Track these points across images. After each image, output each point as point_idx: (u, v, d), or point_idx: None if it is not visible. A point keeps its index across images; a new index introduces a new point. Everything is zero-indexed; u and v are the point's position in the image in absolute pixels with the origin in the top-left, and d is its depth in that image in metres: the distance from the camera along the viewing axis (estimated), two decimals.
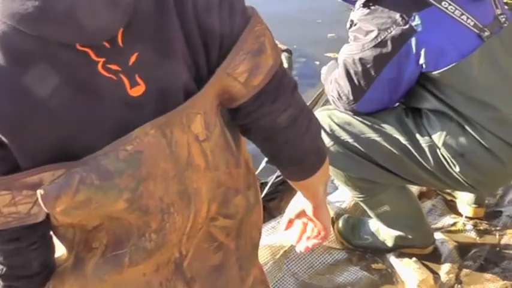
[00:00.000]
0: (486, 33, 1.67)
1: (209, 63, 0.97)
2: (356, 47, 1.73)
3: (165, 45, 0.92)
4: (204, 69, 0.97)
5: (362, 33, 1.71)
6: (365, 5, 1.71)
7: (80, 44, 0.85)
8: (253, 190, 1.20)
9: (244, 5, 1.01)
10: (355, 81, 1.76)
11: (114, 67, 0.87)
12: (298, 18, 4.49)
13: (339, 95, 1.82)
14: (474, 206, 2.34)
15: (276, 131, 1.08)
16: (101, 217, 0.99)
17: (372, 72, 1.72)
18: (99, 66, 0.86)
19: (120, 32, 0.87)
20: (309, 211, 1.35)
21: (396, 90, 1.77)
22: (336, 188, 2.45)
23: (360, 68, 1.73)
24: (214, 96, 1.00)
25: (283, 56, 4.10)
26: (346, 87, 1.79)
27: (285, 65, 4.00)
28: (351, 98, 1.80)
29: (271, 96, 1.03)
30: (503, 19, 1.73)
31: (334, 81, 1.83)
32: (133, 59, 0.89)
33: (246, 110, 1.04)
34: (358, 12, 1.75)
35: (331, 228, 2.24)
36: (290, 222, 1.44)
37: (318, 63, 4.11)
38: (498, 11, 1.75)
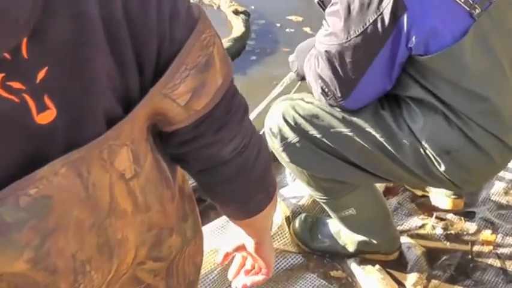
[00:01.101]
0: (477, 11, 1.45)
1: (142, 81, 0.76)
2: (338, 36, 1.46)
3: (83, 58, 0.69)
4: (135, 89, 0.76)
5: (344, 16, 1.43)
6: None
7: None
8: (191, 220, 0.99)
9: (189, 4, 0.79)
10: (342, 75, 1.50)
11: (16, 85, 0.66)
12: None
13: (324, 91, 1.56)
14: (453, 197, 2.12)
15: (217, 165, 0.89)
16: None
17: (362, 64, 1.47)
18: None
19: (25, 41, 0.64)
20: (250, 247, 1.14)
21: (389, 81, 1.52)
22: (293, 181, 2.20)
23: (347, 60, 1.47)
24: (144, 117, 0.77)
25: (240, 19, 3.79)
26: (332, 83, 1.53)
27: (242, 28, 3.70)
28: (339, 94, 1.54)
29: (217, 124, 0.84)
30: None
31: (314, 73, 1.56)
32: (41, 75, 0.67)
33: (182, 137, 0.84)
34: None
35: (287, 230, 2.02)
36: (227, 255, 1.23)
37: (279, 25, 3.87)
38: None
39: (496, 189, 2.31)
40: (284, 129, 1.67)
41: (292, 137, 1.67)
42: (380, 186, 2.22)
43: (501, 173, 2.38)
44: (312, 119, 1.64)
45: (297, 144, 1.67)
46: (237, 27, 3.74)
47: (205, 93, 0.80)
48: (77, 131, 0.72)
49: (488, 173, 1.69)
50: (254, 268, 1.23)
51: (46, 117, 0.69)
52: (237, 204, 0.97)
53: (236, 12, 3.88)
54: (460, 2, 1.43)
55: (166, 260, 0.97)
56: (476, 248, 2.07)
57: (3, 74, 0.65)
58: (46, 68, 0.67)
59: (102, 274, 0.84)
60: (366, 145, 1.59)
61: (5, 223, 0.70)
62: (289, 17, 3.93)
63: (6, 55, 0.64)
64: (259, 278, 1.21)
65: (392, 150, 1.56)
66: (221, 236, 1.98)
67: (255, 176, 0.93)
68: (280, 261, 1.97)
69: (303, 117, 1.65)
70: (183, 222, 0.97)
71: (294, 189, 2.15)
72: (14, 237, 0.71)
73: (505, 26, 1.55)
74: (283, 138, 1.68)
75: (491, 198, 2.27)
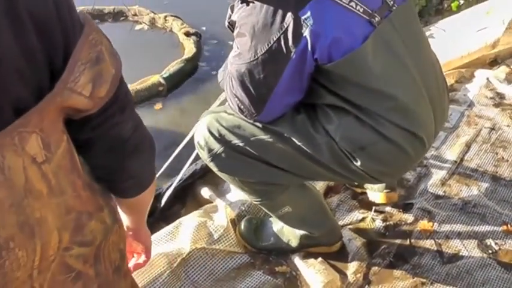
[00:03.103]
0: (377, 19, 1.53)
1: (52, 72, 0.88)
2: (246, 55, 1.53)
3: None
4: (46, 82, 0.88)
5: (250, 37, 1.50)
6: (244, 1, 1.52)
7: None
8: (107, 210, 1.09)
9: (75, 9, 0.93)
10: (253, 92, 1.57)
11: None
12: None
13: (240, 108, 1.64)
14: (386, 191, 2.24)
15: (121, 142, 1.03)
16: None
17: (271, 80, 1.54)
18: None
19: None
20: (131, 235, 1.35)
21: (299, 92, 1.60)
22: None
23: (256, 78, 1.54)
24: (55, 111, 0.88)
25: (192, 40, 3.91)
26: (245, 100, 1.60)
27: (194, 49, 3.81)
28: (253, 110, 1.61)
29: (121, 104, 0.99)
30: (391, 2, 1.59)
31: (230, 93, 1.64)
32: None
33: (93, 122, 0.97)
34: (238, 11, 1.55)
35: (233, 232, 2.11)
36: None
37: (231, 43, 3.97)
38: None
39: (433, 181, 2.42)
40: (210, 141, 1.75)
41: (217, 147, 1.74)
42: (322, 186, 2.34)
43: (438, 165, 2.52)
44: (234, 129, 1.71)
45: (223, 154, 1.74)
46: (189, 48, 3.86)
47: (104, 81, 0.93)
48: None
49: (403, 165, 1.76)
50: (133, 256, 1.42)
51: None
52: (134, 179, 1.11)
53: (187, 34, 4.00)
54: (359, 12, 1.50)
55: (91, 246, 1.06)
56: (414, 236, 2.17)
57: None
58: None
59: (27, 253, 0.91)
60: (286, 149, 1.66)
61: None
62: None
63: None
64: (141, 261, 1.41)
65: (311, 152, 1.63)
66: (169, 242, 2.07)
67: (146, 155, 1.09)
68: (228, 261, 2.06)
69: (226, 128, 1.72)
70: (99, 211, 1.07)
71: (238, 195, 2.25)
72: None
73: (407, 29, 1.62)
74: (209, 150, 1.76)
75: (429, 190, 2.39)
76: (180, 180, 2.39)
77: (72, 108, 0.91)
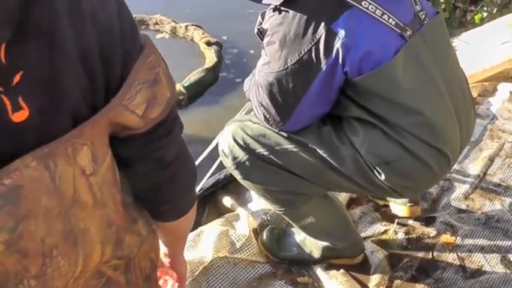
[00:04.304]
0: (408, 33, 1.54)
1: (108, 89, 0.89)
2: (275, 64, 1.53)
3: (55, 65, 0.79)
4: (101, 96, 0.89)
5: (280, 46, 1.51)
6: (276, 9, 1.52)
7: None
8: (141, 221, 1.10)
9: (139, 32, 0.94)
10: (280, 101, 1.57)
11: None
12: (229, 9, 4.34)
13: (265, 117, 1.64)
14: (409, 204, 2.23)
15: (162, 166, 1.03)
16: None
17: (299, 90, 1.54)
18: None
19: (3, 47, 0.74)
20: (166, 262, 1.33)
21: (327, 104, 1.59)
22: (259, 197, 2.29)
23: (284, 87, 1.54)
24: (105, 125, 0.90)
25: (213, 50, 3.93)
26: (271, 109, 1.60)
27: (214, 59, 3.83)
28: (278, 119, 1.62)
29: (167, 128, 0.99)
30: (423, 16, 1.60)
31: (256, 101, 1.64)
32: (17, 78, 0.77)
33: (138, 141, 0.97)
34: (269, 19, 1.55)
35: (255, 242, 2.11)
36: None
37: (252, 52, 3.99)
38: (418, 8, 1.61)
39: (456, 195, 2.41)
40: (234, 149, 1.76)
41: (242, 155, 1.75)
42: (344, 197, 2.33)
43: (461, 179, 2.51)
44: (259, 138, 1.72)
45: (247, 163, 1.75)
46: (210, 57, 3.88)
47: (158, 103, 0.93)
48: (46, 129, 0.83)
49: (428, 181, 1.75)
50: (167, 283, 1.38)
51: (20, 116, 0.79)
52: (171, 204, 1.10)
53: (208, 44, 4.02)
54: (391, 25, 1.50)
55: (127, 258, 1.07)
56: (437, 249, 2.15)
57: None
58: (21, 73, 0.77)
59: (69, 262, 0.92)
60: (311, 159, 1.66)
61: None
62: None
63: None
64: None
65: (335, 164, 1.63)
66: (191, 250, 2.08)
67: (186, 181, 1.08)
68: (250, 270, 2.05)
69: (251, 136, 1.73)
70: (134, 224, 1.07)
71: (260, 204, 2.25)
72: None
73: (437, 44, 1.62)
74: (234, 158, 1.76)
75: (452, 204, 2.37)
76: (201, 189, 2.40)
77: (122, 125, 0.92)
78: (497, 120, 2.90)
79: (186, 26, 4.28)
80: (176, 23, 4.36)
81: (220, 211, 2.37)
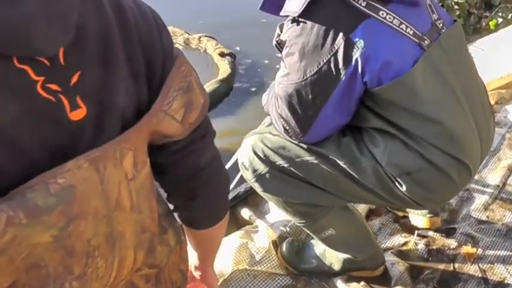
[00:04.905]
0: (426, 42, 1.53)
1: (150, 96, 0.95)
2: (294, 75, 1.53)
3: (109, 68, 0.87)
4: (144, 102, 0.94)
5: (299, 57, 1.50)
6: (294, 21, 1.51)
7: (18, 61, 0.77)
8: (171, 231, 1.13)
9: (173, 43, 1.01)
10: (300, 113, 1.57)
11: (53, 87, 0.81)
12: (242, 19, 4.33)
13: (285, 129, 1.63)
14: (429, 215, 2.21)
15: (198, 170, 1.07)
16: (17, 270, 0.86)
17: (318, 101, 1.53)
18: (39, 86, 0.79)
19: (62, 50, 0.80)
20: (197, 275, 1.35)
21: (346, 115, 1.58)
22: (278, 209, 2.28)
23: (303, 98, 1.54)
24: (147, 133, 0.94)
25: (226, 61, 3.93)
26: (291, 121, 1.60)
27: (228, 70, 3.83)
28: (298, 131, 1.61)
29: (203, 131, 1.05)
30: (441, 25, 1.59)
31: (276, 113, 1.63)
32: (74, 78, 0.82)
33: (176, 145, 1.03)
34: (287, 31, 1.55)
35: (274, 254, 2.09)
36: None
37: (267, 62, 3.99)
38: (435, 16, 1.60)
39: (476, 206, 2.38)
40: (254, 162, 1.75)
41: (262, 168, 1.74)
42: (364, 208, 2.31)
43: (481, 190, 2.48)
44: (279, 150, 1.71)
45: (267, 175, 1.74)
46: (223, 69, 3.88)
47: (194, 108, 0.99)
48: (100, 129, 0.87)
49: (448, 192, 1.73)
50: None
51: (78, 114, 0.84)
52: (207, 210, 1.13)
53: (222, 55, 4.02)
54: (409, 35, 1.50)
55: (158, 268, 1.09)
56: (458, 261, 2.13)
57: (43, 78, 0.79)
58: (78, 73, 0.82)
59: (106, 264, 0.94)
60: (331, 171, 1.65)
61: (37, 207, 0.80)
62: (279, 54, 4.05)
63: (46, 62, 0.79)
64: None
65: (355, 175, 1.62)
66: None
67: (220, 185, 1.12)
68: (269, 283, 2.04)
69: (271, 149, 1.72)
70: (163, 234, 1.10)
71: (279, 215, 2.24)
72: (44, 218, 0.82)
73: (455, 53, 1.61)
74: (254, 170, 1.76)
75: (472, 215, 2.35)
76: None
77: (163, 133, 0.96)
78: None
79: (199, 37, 4.28)
80: (189, 34, 4.36)
81: (239, 223, 2.36)
